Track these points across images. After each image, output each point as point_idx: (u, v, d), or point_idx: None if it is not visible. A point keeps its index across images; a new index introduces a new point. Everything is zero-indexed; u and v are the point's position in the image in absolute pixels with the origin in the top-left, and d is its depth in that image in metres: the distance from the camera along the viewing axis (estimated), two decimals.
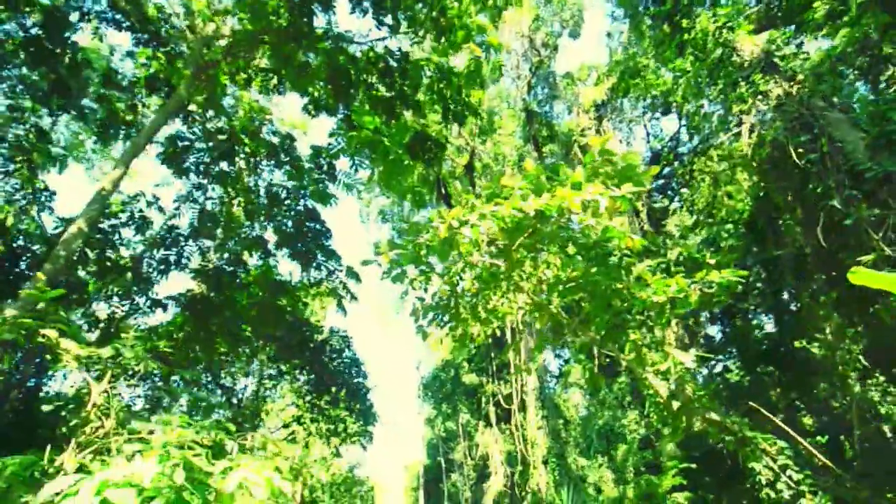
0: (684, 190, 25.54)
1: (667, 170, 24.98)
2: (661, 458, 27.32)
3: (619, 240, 8.42)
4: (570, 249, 9.71)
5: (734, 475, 10.20)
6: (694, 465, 10.94)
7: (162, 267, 10.22)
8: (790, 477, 8.12)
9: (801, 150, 8.18)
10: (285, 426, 16.44)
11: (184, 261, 10.57)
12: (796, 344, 13.85)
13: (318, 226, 12.04)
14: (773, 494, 8.17)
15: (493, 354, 30.42)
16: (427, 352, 36.73)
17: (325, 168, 10.60)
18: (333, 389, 15.82)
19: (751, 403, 8.36)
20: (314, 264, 11.75)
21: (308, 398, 15.86)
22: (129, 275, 9.49)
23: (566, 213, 8.15)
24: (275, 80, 12.74)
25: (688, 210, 25.87)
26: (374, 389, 15.89)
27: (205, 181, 11.39)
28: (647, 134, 25.49)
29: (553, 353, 35.28)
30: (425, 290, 10.79)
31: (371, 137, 8.36)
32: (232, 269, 11.07)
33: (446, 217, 7.71)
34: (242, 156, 11.32)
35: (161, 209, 10.59)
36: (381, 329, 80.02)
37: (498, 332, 11.38)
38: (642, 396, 31.30)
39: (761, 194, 9.89)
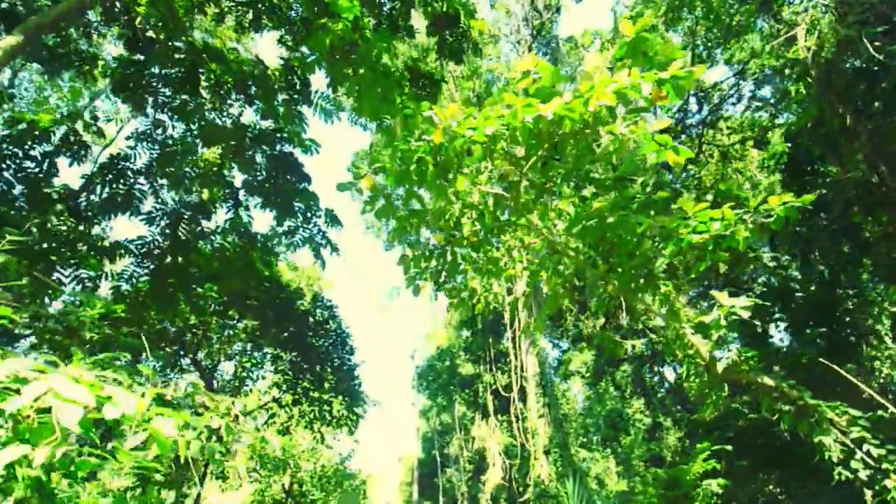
0: (691, 166, 23.89)
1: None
2: (664, 451, 25.58)
3: (657, 154, 6.56)
4: (588, 192, 7.90)
5: (782, 455, 8.43)
6: (729, 448, 9.18)
7: (107, 207, 8.42)
8: (868, 452, 6.37)
9: (877, 43, 6.46)
10: (262, 408, 14.61)
11: (135, 202, 8.77)
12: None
13: (296, 173, 10.24)
14: (846, 475, 6.42)
15: (490, 340, 28.66)
16: (423, 340, 34.92)
17: (298, 87, 8.83)
18: (318, 368, 14.00)
19: (822, 360, 6.60)
20: (291, 213, 9.93)
21: (289, 377, 14.04)
22: (60, 208, 7.69)
23: (591, 124, 6.34)
24: (250, 16, 11.00)
25: (694, 188, 24.23)
26: (363, 366, 14.06)
27: (164, 116, 9.60)
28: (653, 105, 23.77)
29: (550, 342, 33.55)
30: (417, 231, 9.00)
31: (349, 33, 6.59)
32: (193, 214, 9.27)
33: (442, 117, 5.92)
34: (206, 84, 9.53)
35: (101, 133, 8.77)
36: (375, 315, 77.78)
37: (500, 300, 9.63)
38: (646, 387, 29.55)
39: (808, 125, 8.23)
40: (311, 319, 13.26)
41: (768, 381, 7.11)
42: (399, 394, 77.38)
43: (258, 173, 10.35)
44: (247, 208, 10.87)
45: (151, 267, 9.26)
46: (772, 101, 20.46)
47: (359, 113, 9.16)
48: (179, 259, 9.40)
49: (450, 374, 31.83)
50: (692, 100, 22.50)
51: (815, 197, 8.90)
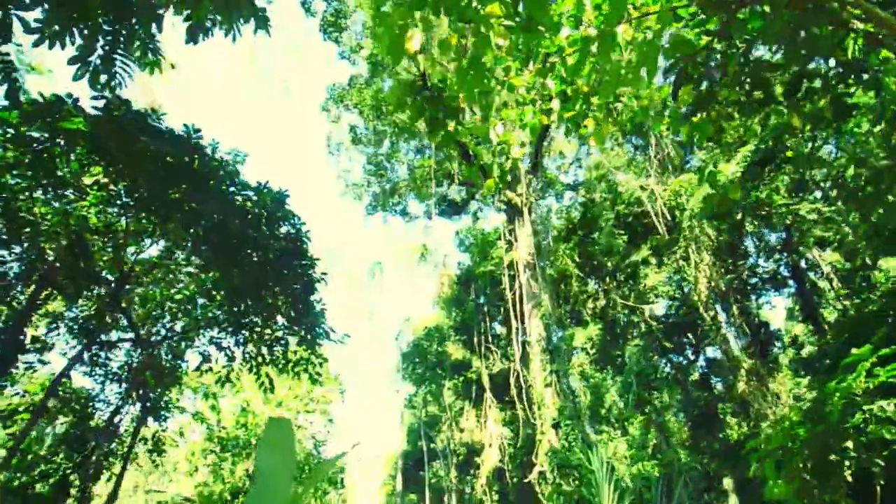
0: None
1: None
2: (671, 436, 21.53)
3: None
4: None
5: None
6: None
7: None
8: None
9: None
10: (190, 340, 10.32)
11: None
12: None
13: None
14: None
15: (486, 310, 24.54)
16: (408, 322, 30.53)
17: None
18: (264, 291, 9.79)
19: None
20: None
21: (224, 303, 9.81)
22: None
23: None
24: None
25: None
26: (326, 281, 9.81)
27: None
28: None
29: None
30: None
31: None
32: None
33: None
34: None
35: None
36: (354, 297, 71.33)
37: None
38: (652, 377, 25.46)
39: None
40: (251, 216, 9.06)
41: None
42: (383, 384, 70.74)
43: None
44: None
45: None
46: None
47: None
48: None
49: (438, 356, 27.54)
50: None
51: None
